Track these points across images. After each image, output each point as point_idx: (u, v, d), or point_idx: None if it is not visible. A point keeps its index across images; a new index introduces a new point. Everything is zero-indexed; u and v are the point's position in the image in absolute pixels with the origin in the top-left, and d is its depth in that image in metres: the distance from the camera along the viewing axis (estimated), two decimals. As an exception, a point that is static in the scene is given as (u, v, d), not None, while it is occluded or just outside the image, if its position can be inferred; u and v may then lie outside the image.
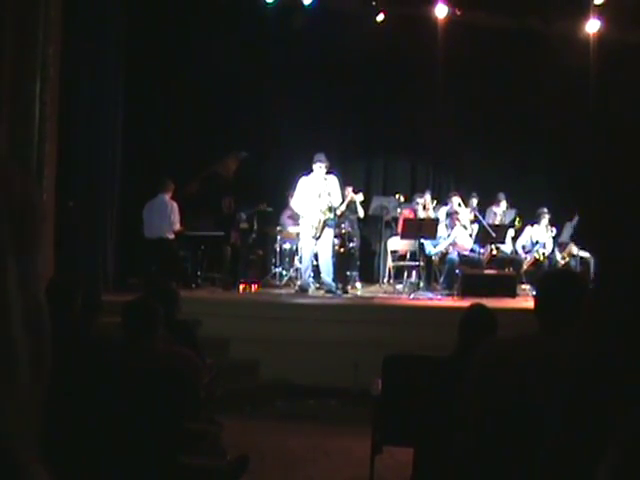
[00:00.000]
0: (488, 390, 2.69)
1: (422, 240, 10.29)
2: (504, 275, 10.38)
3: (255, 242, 11.13)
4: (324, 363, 7.61)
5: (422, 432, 3.91)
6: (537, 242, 11.08)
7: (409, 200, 11.33)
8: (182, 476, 3.56)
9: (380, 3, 11.42)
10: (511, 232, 11.12)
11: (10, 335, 1.03)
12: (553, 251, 11.10)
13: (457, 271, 10.09)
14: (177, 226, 9.90)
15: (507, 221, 11.34)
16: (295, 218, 10.50)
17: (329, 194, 9.57)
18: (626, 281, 1.07)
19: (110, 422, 3.38)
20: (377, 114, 12.47)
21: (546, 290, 2.79)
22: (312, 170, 9.65)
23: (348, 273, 10.65)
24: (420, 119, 12.09)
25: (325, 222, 9.61)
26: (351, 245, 10.84)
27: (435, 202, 11.20)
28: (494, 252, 10.75)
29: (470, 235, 10.71)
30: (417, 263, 10.48)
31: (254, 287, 10.07)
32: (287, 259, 10.78)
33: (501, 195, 11.43)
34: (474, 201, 11.22)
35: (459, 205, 10.84)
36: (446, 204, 11.14)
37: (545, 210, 11.19)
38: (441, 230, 10.43)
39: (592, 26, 11.19)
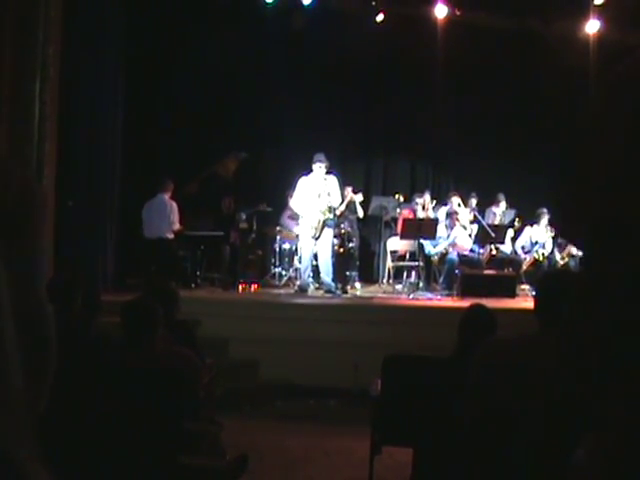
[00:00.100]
0: (488, 390, 2.69)
1: (421, 240, 10.29)
2: (503, 275, 10.38)
3: (254, 242, 11.13)
4: (324, 363, 7.61)
5: (421, 432, 3.91)
6: (536, 242, 11.08)
7: (408, 200, 11.32)
8: (182, 476, 3.56)
9: (380, 3, 11.42)
10: (510, 232, 11.12)
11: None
12: (552, 251, 11.09)
13: (457, 271, 10.09)
14: (176, 226, 9.90)
15: (507, 221, 11.34)
16: (296, 218, 10.50)
17: (329, 194, 9.57)
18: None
19: (109, 422, 3.38)
20: (377, 114, 12.46)
21: (546, 290, 2.79)
22: (312, 170, 9.65)
23: (347, 273, 10.65)
24: (420, 119, 12.08)
25: (325, 222, 9.60)
26: (350, 245, 10.84)
27: (434, 202, 11.20)
28: (493, 252, 10.75)
29: (470, 235, 10.71)
30: (416, 263, 10.49)
31: (253, 287, 10.07)
32: (286, 259, 10.78)
33: (500, 195, 11.43)
34: (473, 201, 11.22)
35: (459, 205, 10.84)
36: (446, 204, 11.14)
37: (545, 210, 11.19)
38: (440, 230, 10.43)
39: (592, 26, 11.20)
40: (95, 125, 9.63)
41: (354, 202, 10.88)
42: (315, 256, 9.87)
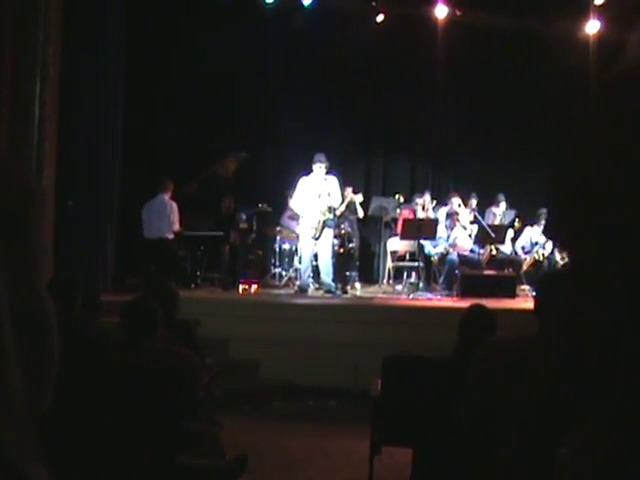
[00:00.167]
0: (488, 390, 2.69)
1: (421, 241, 10.29)
2: (504, 276, 10.38)
3: (254, 242, 11.12)
4: (323, 363, 7.61)
5: (421, 433, 3.91)
6: (536, 243, 11.08)
7: (408, 201, 11.33)
8: (181, 476, 3.56)
9: (380, 3, 11.42)
10: (510, 233, 11.12)
11: None
12: (552, 252, 11.09)
13: (457, 272, 10.09)
14: (176, 226, 9.89)
15: (507, 222, 11.34)
16: (296, 218, 10.50)
17: (329, 194, 9.58)
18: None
19: (109, 422, 3.38)
20: (377, 114, 12.47)
21: (545, 291, 2.79)
22: (312, 170, 9.65)
23: (347, 273, 10.65)
24: (420, 120, 12.08)
25: (325, 222, 9.61)
26: (350, 245, 10.84)
27: (435, 202, 11.20)
28: (494, 253, 10.75)
29: (470, 236, 10.71)
30: (416, 264, 10.49)
31: (253, 287, 10.07)
32: (286, 259, 10.78)
33: (500, 196, 11.44)
34: (473, 202, 11.22)
35: (459, 206, 10.83)
36: (446, 205, 11.14)
37: (545, 211, 11.17)
38: (441, 231, 10.43)
39: (592, 27, 11.20)
40: (95, 125, 9.62)
41: (354, 202, 10.89)
42: (315, 256, 9.87)
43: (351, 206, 10.82)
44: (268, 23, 11.22)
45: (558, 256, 11.11)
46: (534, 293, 2.97)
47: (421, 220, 10.47)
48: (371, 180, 13.23)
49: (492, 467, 2.62)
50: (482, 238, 10.55)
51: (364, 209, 11.29)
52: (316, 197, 9.55)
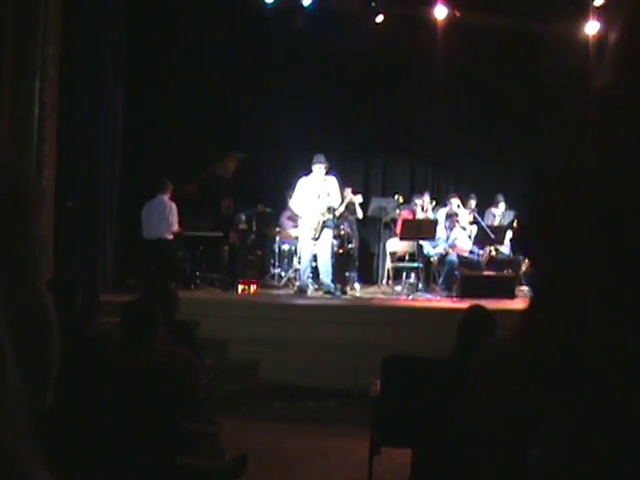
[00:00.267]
0: (488, 390, 2.69)
1: (421, 241, 10.29)
2: (503, 276, 10.38)
3: (254, 243, 11.12)
4: (323, 364, 7.61)
5: (420, 433, 3.91)
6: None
7: (408, 201, 11.33)
8: (181, 476, 3.56)
9: (379, 4, 11.42)
10: (510, 233, 11.12)
11: None
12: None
13: (456, 272, 10.09)
14: (176, 227, 9.89)
15: (506, 222, 11.33)
16: (294, 219, 10.50)
17: (328, 195, 9.58)
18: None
19: (109, 422, 3.38)
20: (376, 115, 12.46)
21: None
22: (311, 171, 9.66)
23: (347, 274, 10.64)
24: (419, 120, 12.07)
25: (324, 223, 9.61)
26: (350, 246, 10.83)
27: (434, 203, 11.20)
28: (493, 253, 10.75)
29: (469, 236, 10.71)
30: (416, 264, 10.48)
31: (253, 288, 10.06)
32: (286, 260, 10.77)
33: (500, 196, 11.44)
34: (473, 202, 11.22)
35: (458, 206, 10.84)
36: (445, 205, 11.14)
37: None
38: (440, 231, 10.43)
39: (592, 28, 11.20)
40: (95, 125, 9.63)
41: (353, 203, 10.88)
42: (315, 257, 9.87)
43: (350, 207, 10.82)
44: (268, 23, 11.22)
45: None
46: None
47: (420, 221, 10.47)
48: (370, 181, 13.23)
49: (493, 468, 2.62)
50: (481, 239, 10.55)
51: (363, 210, 11.29)
52: (315, 198, 9.55)
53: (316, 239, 9.63)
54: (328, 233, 9.71)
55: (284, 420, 7.05)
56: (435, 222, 10.32)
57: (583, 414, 1.11)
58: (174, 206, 9.86)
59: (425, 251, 10.54)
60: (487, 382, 2.71)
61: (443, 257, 10.48)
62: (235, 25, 11.05)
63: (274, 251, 10.82)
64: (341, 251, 10.43)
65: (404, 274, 11.07)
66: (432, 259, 10.68)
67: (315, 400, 7.57)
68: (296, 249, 10.41)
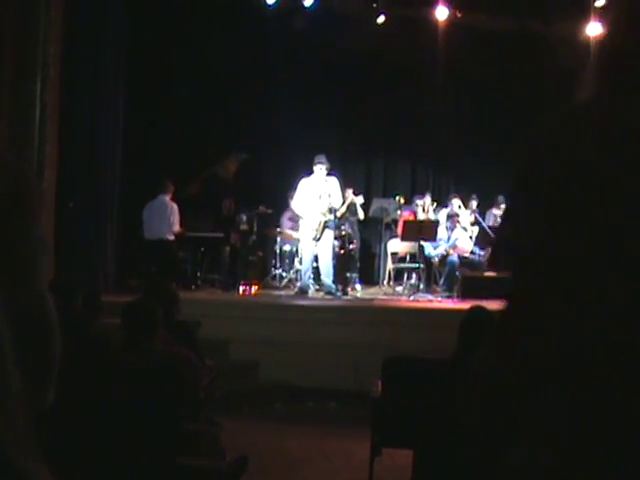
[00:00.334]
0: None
1: (422, 242, 10.29)
2: (504, 277, 10.33)
3: (255, 243, 11.12)
4: (324, 365, 7.60)
5: (421, 434, 3.90)
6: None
7: (409, 202, 11.33)
8: (181, 477, 3.56)
9: (381, 5, 11.42)
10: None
11: None
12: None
13: (457, 273, 10.08)
14: (177, 227, 9.89)
15: (507, 223, 11.32)
16: (295, 220, 10.50)
17: (329, 196, 9.57)
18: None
19: (109, 423, 3.38)
20: (377, 115, 12.46)
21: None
22: (312, 172, 9.65)
23: (348, 275, 10.64)
24: (420, 121, 12.08)
25: (325, 224, 9.61)
26: (351, 247, 10.84)
27: (435, 204, 11.20)
28: (494, 254, 10.74)
29: (470, 237, 10.71)
30: (417, 265, 10.48)
31: (254, 288, 10.06)
32: (287, 261, 10.77)
33: (501, 197, 11.43)
34: (474, 203, 11.22)
35: (459, 207, 10.84)
36: (446, 206, 11.14)
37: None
38: (441, 232, 10.43)
39: (593, 28, 11.19)
40: (96, 126, 9.63)
41: (355, 204, 10.89)
42: (316, 258, 9.87)
43: (352, 207, 10.83)
44: (269, 24, 11.22)
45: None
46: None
47: (421, 222, 10.47)
48: (371, 181, 13.24)
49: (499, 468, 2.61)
50: (483, 239, 10.54)
51: (364, 210, 11.29)
52: (317, 198, 9.55)
53: (317, 240, 9.63)
54: (329, 234, 9.70)
55: (285, 421, 7.04)
56: (436, 223, 10.31)
57: (566, 415, 1.16)
58: (175, 207, 9.86)
59: (426, 252, 10.53)
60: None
61: (444, 258, 10.48)
62: (236, 25, 11.06)
63: (275, 252, 10.82)
64: (342, 252, 10.44)
65: (405, 275, 11.07)
66: (433, 260, 10.67)
67: (316, 401, 7.57)
68: (297, 250, 10.41)
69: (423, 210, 10.95)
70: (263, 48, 11.37)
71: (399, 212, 11.12)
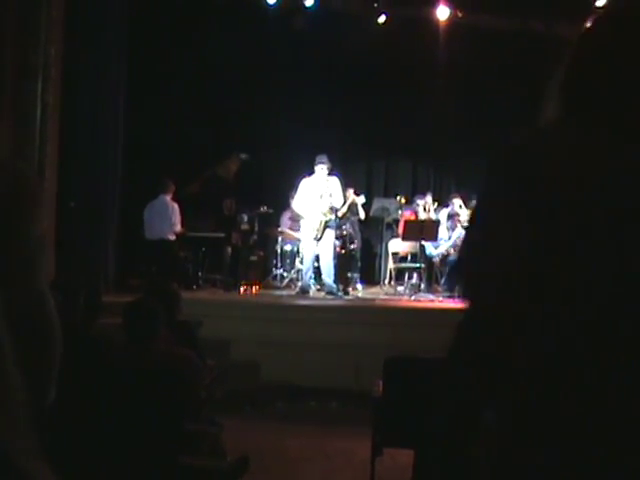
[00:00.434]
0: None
1: (423, 242, 10.29)
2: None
3: (256, 243, 11.13)
4: (325, 364, 7.60)
5: (423, 434, 3.90)
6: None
7: (410, 202, 11.33)
8: (182, 477, 3.56)
9: (382, 5, 11.42)
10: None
11: None
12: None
13: (458, 273, 10.07)
14: (178, 227, 9.90)
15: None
16: (295, 219, 10.50)
17: (330, 195, 9.57)
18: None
19: (110, 422, 3.38)
20: (378, 115, 12.46)
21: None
22: (314, 171, 9.65)
23: (349, 275, 10.64)
24: (421, 120, 12.08)
25: (326, 223, 9.61)
26: (352, 247, 10.84)
27: (436, 204, 11.20)
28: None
29: (471, 237, 10.69)
30: (418, 265, 10.48)
31: (255, 288, 10.07)
32: (288, 260, 10.77)
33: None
34: (475, 203, 11.19)
35: (460, 207, 10.83)
36: (447, 206, 11.13)
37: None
38: (442, 232, 10.43)
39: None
40: (97, 126, 9.63)
41: (356, 204, 10.89)
42: (317, 257, 9.86)
43: (353, 207, 10.83)
44: (270, 24, 11.22)
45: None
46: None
47: (422, 221, 10.47)
48: (373, 181, 13.24)
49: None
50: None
51: (366, 210, 11.29)
52: (318, 198, 9.55)
53: (318, 240, 9.63)
54: (330, 234, 9.70)
55: (286, 420, 7.04)
56: (437, 222, 10.31)
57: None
58: (176, 206, 9.87)
59: (427, 251, 10.53)
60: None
61: (445, 257, 10.48)
62: (237, 25, 11.06)
63: (276, 252, 10.82)
64: (343, 252, 10.44)
65: (406, 274, 11.07)
66: (434, 260, 10.67)
67: (317, 400, 7.57)
68: (298, 250, 10.41)
69: (424, 210, 10.95)
70: (264, 48, 11.36)
71: (400, 212, 11.12)
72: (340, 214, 9.99)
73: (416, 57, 11.62)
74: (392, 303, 9.56)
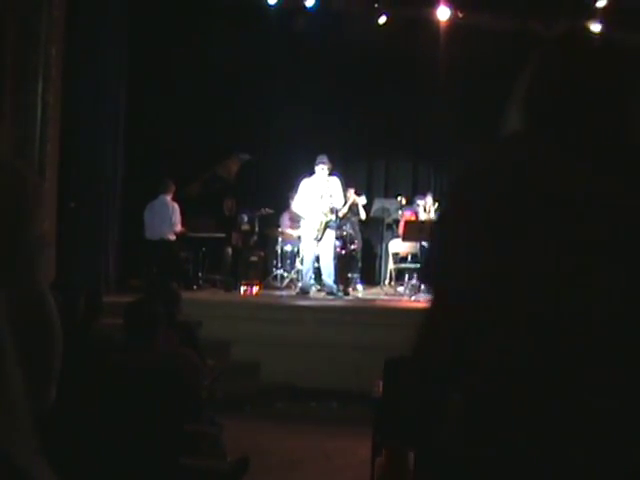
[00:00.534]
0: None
1: (423, 242, 10.28)
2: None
3: (256, 244, 11.13)
4: (325, 365, 7.60)
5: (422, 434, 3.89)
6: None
7: (410, 202, 11.32)
8: (182, 477, 3.56)
9: (382, 5, 11.42)
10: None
11: None
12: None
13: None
14: (178, 227, 9.90)
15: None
16: (295, 220, 10.50)
17: (331, 196, 9.57)
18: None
19: (111, 423, 3.38)
20: (378, 116, 12.45)
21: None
22: (314, 172, 9.65)
23: (349, 275, 10.64)
24: (421, 121, 12.08)
25: (327, 224, 9.60)
26: (352, 247, 10.83)
27: (436, 204, 11.19)
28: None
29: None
30: (418, 265, 10.47)
31: (255, 289, 10.06)
32: (288, 261, 10.77)
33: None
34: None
35: (460, 207, 10.81)
36: (447, 206, 11.12)
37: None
38: (442, 232, 10.41)
39: (594, 29, 11.18)
40: (97, 126, 9.63)
41: (357, 204, 10.89)
42: (317, 258, 9.86)
43: (353, 208, 10.82)
44: (270, 24, 11.21)
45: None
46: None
47: (423, 222, 10.46)
48: (373, 181, 13.23)
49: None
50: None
51: (366, 211, 11.29)
52: (318, 198, 9.55)
53: (319, 240, 9.63)
54: (331, 234, 9.71)
55: (286, 421, 7.04)
56: (437, 223, 10.31)
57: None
58: (177, 207, 9.87)
59: (427, 252, 10.52)
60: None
61: (445, 258, 10.46)
62: (237, 25, 11.06)
63: (276, 252, 10.82)
64: (344, 252, 10.43)
65: (407, 275, 11.06)
66: (434, 260, 10.65)
67: (317, 401, 7.56)
68: (298, 250, 10.41)
69: (424, 210, 10.95)
70: (264, 48, 11.36)
71: (400, 212, 11.12)
72: (341, 214, 9.99)
73: (416, 57, 11.63)
74: (392, 304, 9.56)
